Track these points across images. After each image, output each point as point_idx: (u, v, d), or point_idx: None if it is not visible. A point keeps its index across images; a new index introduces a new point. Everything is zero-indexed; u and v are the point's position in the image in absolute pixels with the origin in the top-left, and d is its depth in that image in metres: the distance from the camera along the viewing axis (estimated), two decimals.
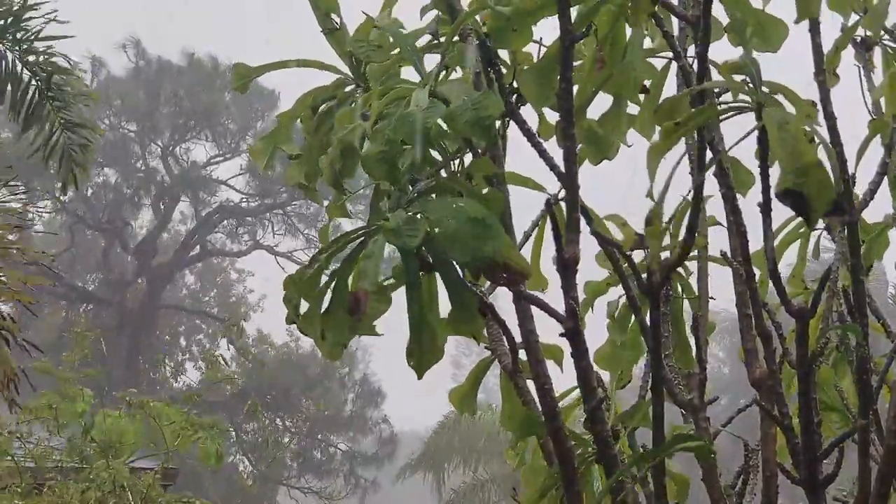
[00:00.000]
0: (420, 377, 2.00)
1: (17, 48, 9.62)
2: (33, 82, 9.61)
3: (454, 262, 1.95)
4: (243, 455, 36.83)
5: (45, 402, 9.57)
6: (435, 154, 2.11)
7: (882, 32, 2.76)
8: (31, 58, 9.64)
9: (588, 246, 2.24)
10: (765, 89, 2.00)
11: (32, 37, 9.64)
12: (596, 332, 2.60)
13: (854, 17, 2.62)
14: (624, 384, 2.65)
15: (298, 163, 2.41)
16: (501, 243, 1.86)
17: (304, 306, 2.01)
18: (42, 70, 9.56)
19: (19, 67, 9.63)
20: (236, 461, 36.19)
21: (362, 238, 1.98)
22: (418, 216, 1.89)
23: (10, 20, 9.50)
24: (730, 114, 2.04)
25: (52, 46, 9.85)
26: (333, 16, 2.42)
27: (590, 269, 2.44)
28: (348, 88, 2.38)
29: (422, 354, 1.99)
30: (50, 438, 9.82)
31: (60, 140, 9.71)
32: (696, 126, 2.05)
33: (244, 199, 38.80)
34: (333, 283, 1.98)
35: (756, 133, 2.09)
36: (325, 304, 2.00)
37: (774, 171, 2.05)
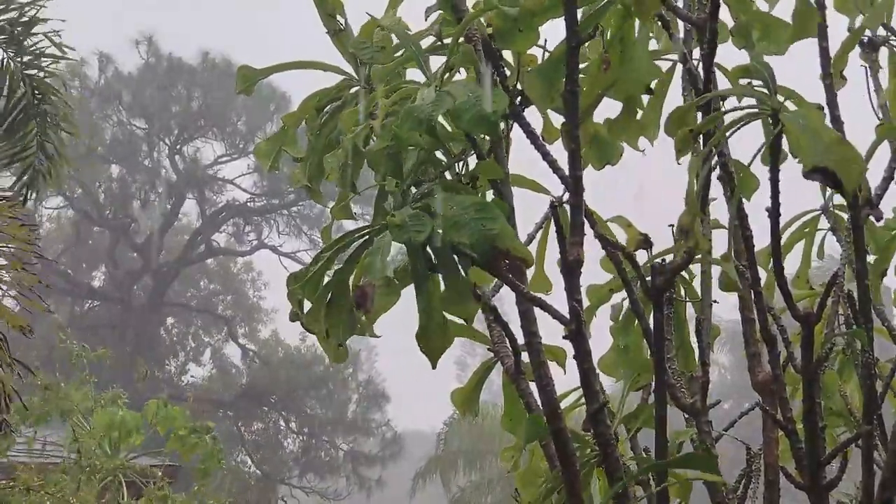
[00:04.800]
0: (434, 365, 1.99)
1: (19, 59, 9.43)
2: (24, 99, 9.38)
3: (456, 258, 1.94)
4: (247, 454, 36.90)
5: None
6: (439, 155, 2.11)
7: (888, 33, 2.74)
8: (32, 72, 9.45)
9: (593, 248, 2.24)
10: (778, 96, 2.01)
11: (37, 51, 9.45)
12: (600, 335, 2.60)
13: (860, 19, 2.61)
14: (640, 386, 2.63)
15: (303, 164, 2.41)
16: (505, 228, 1.86)
17: (308, 304, 2.02)
18: (37, 89, 9.36)
19: (17, 77, 9.40)
20: (241, 460, 36.26)
21: (366, 237, 1.98)
22: (424, 213, 1.89)
23: (19, 30, 9.32)
24: (746, 121, 2.04)
25: (58, 63, 9.71)
26: (338, 17, 2.41)
27: (595, 271, 2.43)
28: (353, 90, 2.37)
29: (433, 340, 1.98)
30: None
31: (31, 160, 9.48)
32: (721, 137, 2.05)
33: (251, 199, 38.88)
34: (335, 282, 1.99)
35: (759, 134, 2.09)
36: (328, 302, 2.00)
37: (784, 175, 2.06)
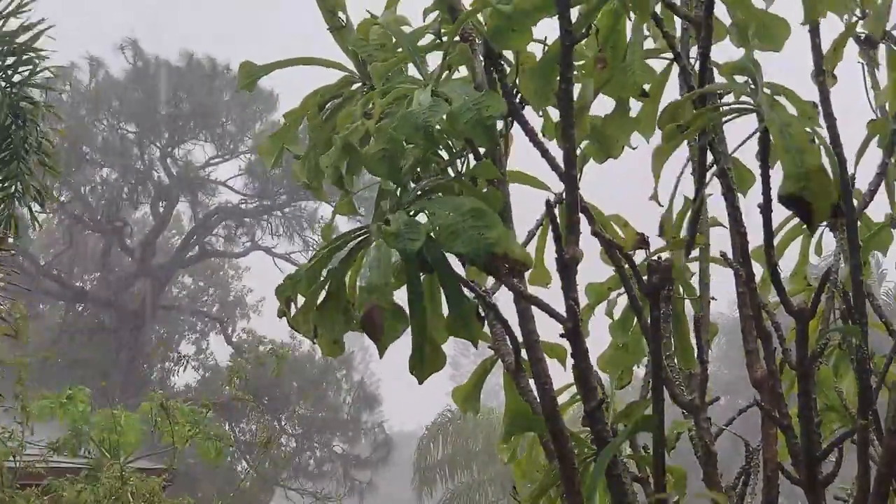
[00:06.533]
0: (421, 383, 2.01)
1: (9, 88, 9.02)
2: (13, 135, 8.97)
3: (452, 268, 1.95)
4: (241, 456, 36.79)
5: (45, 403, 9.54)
6: (440, 153, 2.11)
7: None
8: (24, 104, 9.05)
9: (591, 246, 2.25)
10: (766, 90, 2.01)
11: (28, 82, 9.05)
12: (599, 333, 2.60)
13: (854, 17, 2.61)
14: (624, 385, 2.65)
15: (302, 161, 2.41)
16: (502, 233, 1.86)
17: (300, 302, 2.02)
18: (27, 123, 8.95)
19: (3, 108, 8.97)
20: (234, 461, 36.14)
21: (362, 237, 1.98)
22: (419, 219, 1.89)
23: (8, 60, 8.92)
24: (732, 116, 2.04)
25: (52, 107, 9.38)
26: (339, 13, 2.41)
27: (593, 268, 2.44)
28: (354, 86, 2.37)
29: (423, 364, 1.99)
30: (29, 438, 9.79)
31: (12, 190, 9.11)
32: (699, 129, 2.05)
33: (243, 201, 38.79)
34: (329, 281, 1.99)
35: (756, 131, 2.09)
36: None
37: (775, 172, 2.06)
